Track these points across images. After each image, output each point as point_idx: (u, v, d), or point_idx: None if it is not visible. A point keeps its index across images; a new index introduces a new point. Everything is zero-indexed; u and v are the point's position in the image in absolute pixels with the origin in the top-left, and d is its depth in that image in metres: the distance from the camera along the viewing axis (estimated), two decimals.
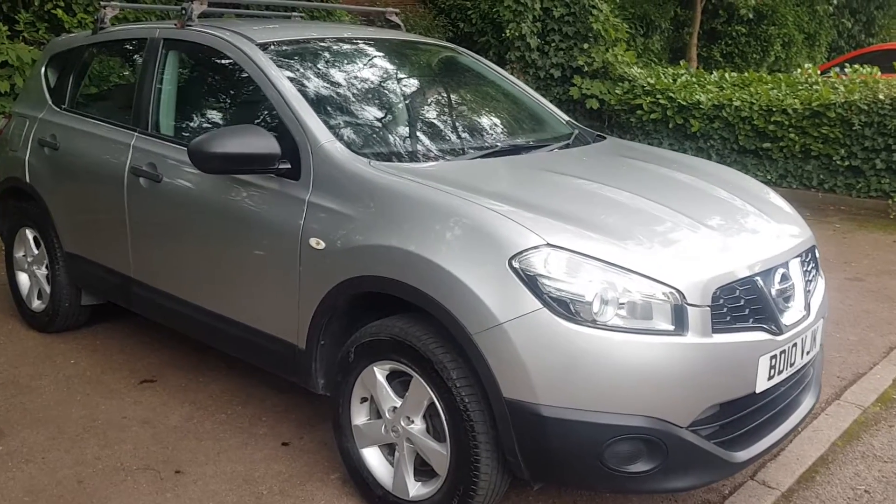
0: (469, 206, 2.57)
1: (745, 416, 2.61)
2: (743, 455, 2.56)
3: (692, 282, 2.44)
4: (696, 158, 3.90)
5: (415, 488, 2.72)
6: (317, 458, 3.20)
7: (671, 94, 9.37)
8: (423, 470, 2.72)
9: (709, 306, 2.44)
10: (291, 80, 3.20)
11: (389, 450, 2.83)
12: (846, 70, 8.84)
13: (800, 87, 8.68)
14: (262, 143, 2.91)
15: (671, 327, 2.40)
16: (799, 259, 2.85)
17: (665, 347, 2.38)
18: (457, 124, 3.57)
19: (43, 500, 2.92)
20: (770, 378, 2.60)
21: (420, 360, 2.57)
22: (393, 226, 2.67)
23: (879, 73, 8.52)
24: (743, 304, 2.55)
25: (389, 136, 3.26)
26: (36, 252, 4.38)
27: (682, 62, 10.90)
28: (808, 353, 2.81)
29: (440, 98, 3.67)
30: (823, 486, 3.12)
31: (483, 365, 2.42)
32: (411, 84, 3.68)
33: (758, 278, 2.60)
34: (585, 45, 10.01)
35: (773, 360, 2.60)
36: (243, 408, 3.63)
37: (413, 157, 3.15)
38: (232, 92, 3.50)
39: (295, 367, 3.04)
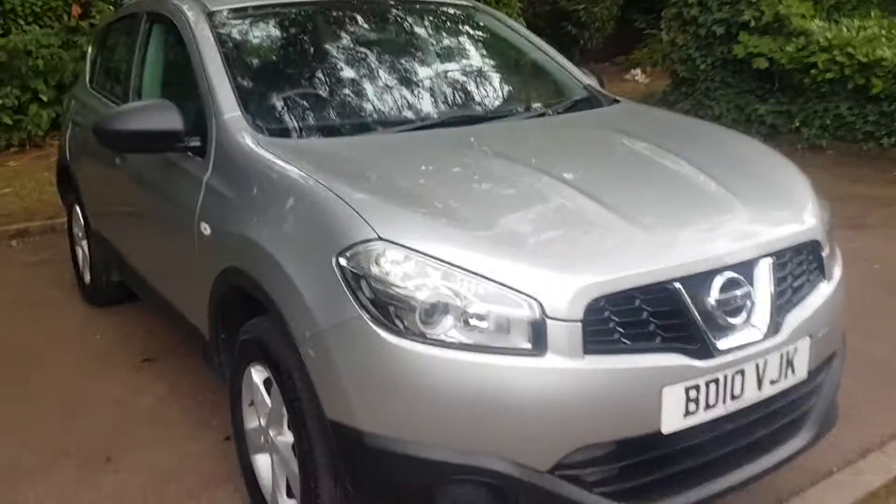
0: (316, 191, 2.19)
1: (651, 461, 2.03)
2: None
3: (557, 290, 1.89)
4: (715, 127, 3.18)
5: None
6: None
7: (850, 50, 8.02)
8: None
9: (580, 321, 1.89)
10: (226, 48, 2.94)
11: None
12: None
13: None
14: (164, 118, 2.69)
15: (528, 346, 1.89)
16: (771, 259, 2.16)
17: (514, 371, 1.88)
18: (410, 93, 3.10)
19: None
20: (688, 414, 1.99)
21: (276, 364, 2.26)
22: (253, 211, 2.36)
23: None
24: (645, 317, 1.96)
25: (315, 108, 2.89)
26: (82, 222, 4.51)
27: (873, 12, 9.31)
28: (773, 383, 2.14)
29: (407, 63, 3.23)
30: None
31: (306, 378, 2.06)
32: (380, 48, 3.27)
33: (677, 285, 1.99)
34: None
35: (694, 392, 1.98)
36: (213, 395, 3.48)
37: (329, 131, 2.77)
38: (184, 63, 3.31)
39: (207, 358, 2.84)
